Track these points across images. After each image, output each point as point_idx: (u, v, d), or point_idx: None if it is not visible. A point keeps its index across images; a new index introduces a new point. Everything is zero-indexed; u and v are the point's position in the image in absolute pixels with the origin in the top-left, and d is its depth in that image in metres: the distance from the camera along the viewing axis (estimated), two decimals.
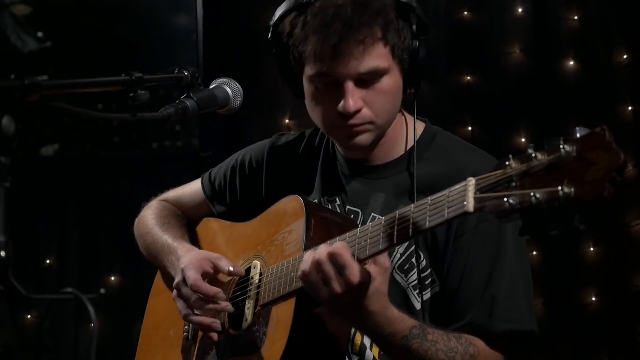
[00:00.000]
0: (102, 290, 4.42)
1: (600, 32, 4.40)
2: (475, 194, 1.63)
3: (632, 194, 4.28)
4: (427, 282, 2.12)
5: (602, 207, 1.47)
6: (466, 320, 2.05)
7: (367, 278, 1.85)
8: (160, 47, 4.67)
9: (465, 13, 4.53)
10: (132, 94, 1.85)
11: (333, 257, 1.85)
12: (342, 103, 2.10)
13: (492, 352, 2.05)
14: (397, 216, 1.82)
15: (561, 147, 1.51)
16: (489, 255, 2.08)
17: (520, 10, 4.47)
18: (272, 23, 2.21)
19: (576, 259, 4.33)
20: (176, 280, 2.27)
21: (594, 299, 4.32)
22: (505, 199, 1.55)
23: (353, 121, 2.12)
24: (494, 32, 4.50)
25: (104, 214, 4.64)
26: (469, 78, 4.51)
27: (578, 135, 1.51)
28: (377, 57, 2.09)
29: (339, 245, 1.88)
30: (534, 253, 4.28)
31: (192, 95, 2.01)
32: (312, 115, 2.23)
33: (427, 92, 4.42)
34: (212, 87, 2.11)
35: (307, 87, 2.18)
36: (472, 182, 1.65)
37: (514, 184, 1.56)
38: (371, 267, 1.87)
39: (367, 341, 2.14)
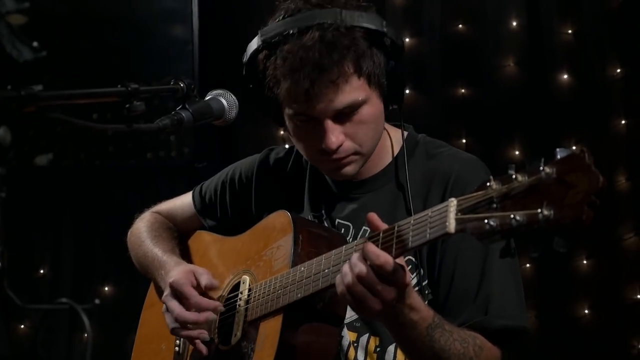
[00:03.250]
0: (97, 301, 4.42)
1: (594, 45, 4.42)
2: (457, 214, 1.62)
3: (624, 207, 4.29)
4: (425, 292, 2.12)
5: (581, 230, 1.46)
6: (462, 319, 2.05)
7: (405, 272, 1.79)
8: (156, 57, 4.67)
9: (460, 26, 4.54)
10: (127, 105, 1.86)
11: (380, 269, 1.76)
12: (323, 141, 2.09)
13: (492, 346, 2.05)
14: (381, 235, 1.81)
15: (541, 168, 1.51)
16: (478, 253, 2.07)
17: (514, 23, 4.49)
18: (244, 60, 2.21)
19: (569, 271, 4.33)
20: (164, 294, 2.27)
21: (586, 311, 4.32)
22: (486, 221, 1.55)
23: (337, 155, 2.12)
24: (488, 45, 4.51)
25: (98, 224, 4.64)
26: (463, 90, 4.52)
27: (558, 157, 1.51)
28: (352, 91, 2.07)
29: (376, 251, 1.77)
30: (527, 265, 4.28)
31: (187, 106, 2.01)
32: (297, 147, 2.23)
33: (421, 104, 4.45)
34: (207, 98, 2.11)
35: (287, 123, 2.18)
36: (453, 202, 1.64)
37: (494, 205, 1.56)
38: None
39: (360, 356, 2.14)
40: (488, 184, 1.58)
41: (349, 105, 2.08)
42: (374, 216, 1.86)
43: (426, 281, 2.12)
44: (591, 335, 4.30)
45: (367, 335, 2.15)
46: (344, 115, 2.10)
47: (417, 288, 2.12)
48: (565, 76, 4.43)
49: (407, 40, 4.54)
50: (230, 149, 4.49)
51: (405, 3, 4.57)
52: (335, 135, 2.09)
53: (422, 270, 2.12)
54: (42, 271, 4.72)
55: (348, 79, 2.06)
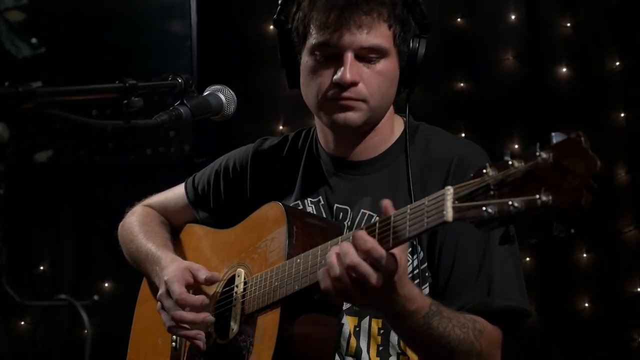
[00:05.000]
0: (96, 297, 4.42)
1: (593, 38, 4.42)
2: (454, 202, 1.62)
3: (624, 200, 4.29)
4: (426, 275, 2.12)
5: (580, 215, 1.45)
6: (464, 301, 2.05)
7: (396, 261, 1.78)
8: (155, 53, 4.67)
9: (459, 20, 4.54)
10: (126, 101, 1.86)
11: (368, 253, 1.75)
12: (339, 73, 2.11)
13: (494, 328, 2.06)
14: (377, 225, 1.80)
15: (537, 154, 1.50)
16: (479, 236, 2.06)
17: (513, 17, 4.49)
18: (279, 1, 2.23)
19: (569, 265, 4.34)
20: (159, 292, 2.27)
21: (586, 304, 4.33)
22: (484, 208, 1.54)
23: (347, 93, 2.13)
24: (487, 39, 4.51)
25: (98, 220, 4.63)
26: (462, 84, 4.52)
27: (554, 141, 1.50)
28: (380, 35, 2.12)
29: (365, 237, 1.76)
30: (527, 259, 4.29)
31: (185, 102, 2.02)
32: (306, 92, 2.22)
33: (420, 98, 4.44)
34: (205, 93, 2.12)
35: (306, 61, 2.19)
36: (450, 190, 1.63)
37: (491, 192, 1.55)
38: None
39: (363, 344, 2.15)
40: (484, 170, 1.57)
41: (375, 47, 2.12)
42: (387, 203, 1.81)
43: (426, 264, 2.12)
44: (591, 329, 4.31)
45: (367, 318, 2.15)
46: (365, 59, 2.13)
47: (416, 271, 2.12)
48: (565, 69, 4.43)
49: None
50: (229, 144, 4.48)
51: None
52: (353, 72, 2.11)
53: (422, 253, 2.13)
54: (41, 268, 4.72)
55: (380, 21, 2.12)
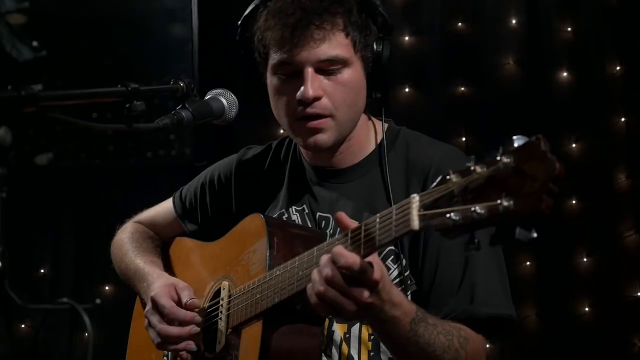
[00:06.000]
0: (98, 300, 4.42)
1: (593, 43, 4.42)
2: (419, 210, 1.61)
3: (624, 205, 4.29)
4: (408, 282, 2.11)
5: (540, 219, 1.44)
6: (448, 309, 2.04)
7: (378, 270, 1.77)
8: (156, 56, 4.67)
9: (460, 24, 4.55)
10: (127, 105, 1.86)
11: (348, 269, 1.74)
12: (301, 89, 2.09)
13: (478, 336, 2.04)
14: (350, 235, 1.79)
15: (499, 159, 1.50)
16: (461, 243, 2.06)
17: (514, 21, 4.49)
18: (239, 23, 2.23)
19: (569, 269, 4.34)
20: (146, 308, 2.27)
21: (587, 309, 4.33)
22: (448, 215, 1.53)
23: (312, 109, 2.11)
24: (488, 44, 4.51)
25: (99, 223, 4.64)
26: (462, 89, 4.52)
27: (515, 145, 1.49)
28: (337, 45, 2.09)
29: (343, 253, 1.75)
30: (527, 263, 4.28)
31: (187, 105, 2.02)
32: (276, 112, 2.21)
33: (421, 102, 4.45)
34: (207, 97, 2.12)
35: (270, 81, 2.18)
36: (416, 198, 1.63)
37: (455, 199, 1.55)
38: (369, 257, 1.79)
39: (354, 348, 2.14)
40: (448, 177, 1.57)
41: (333, 59, 2.09)
42: (342, 215, 1.83)
43: (408, 271, 2.11)
44: (592, 333, 4.30)
45: (357, 325, 2.14)
46: (326, 72, 2.11)
47: (399, 278, 2.11)
48: (565, 74, 4.43)
49: (406, 38, 4.55)
50: (230, 147, 4.48)
51: (405, 1, 4.57)
52: (314, 86, 2.09)
53: (404, 260, 2.11)
54: (42, 271, 4.72)
55: (335, 32, 2.09)
